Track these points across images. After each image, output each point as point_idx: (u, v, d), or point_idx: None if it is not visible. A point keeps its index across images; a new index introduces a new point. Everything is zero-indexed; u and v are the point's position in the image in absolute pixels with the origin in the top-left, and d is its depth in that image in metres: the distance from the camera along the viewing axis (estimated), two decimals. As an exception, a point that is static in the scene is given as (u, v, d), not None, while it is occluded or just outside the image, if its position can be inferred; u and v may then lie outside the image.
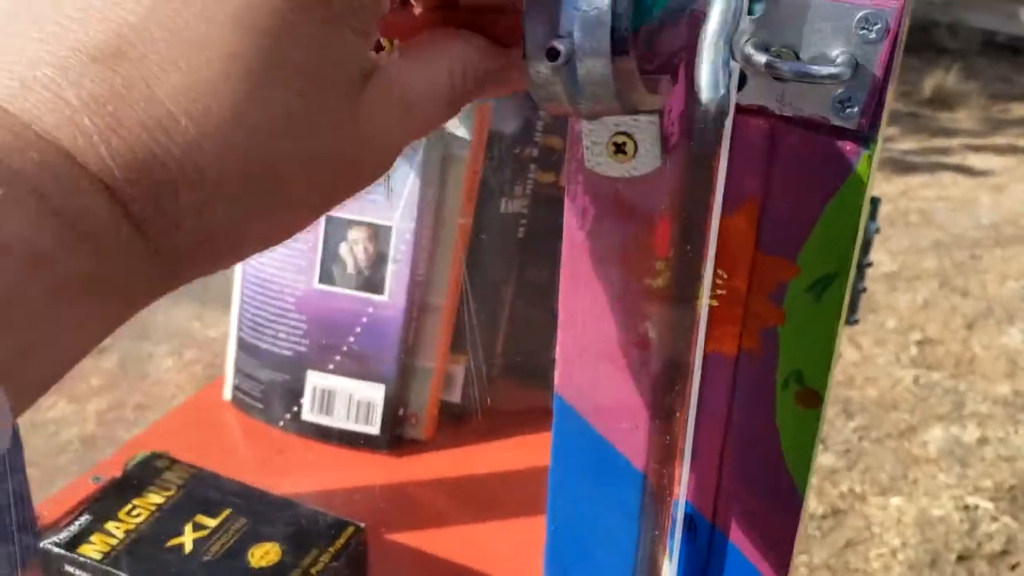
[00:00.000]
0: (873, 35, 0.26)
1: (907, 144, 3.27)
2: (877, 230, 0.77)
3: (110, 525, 0.49)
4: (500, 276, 0.64)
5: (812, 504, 1.72)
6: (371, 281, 0.59)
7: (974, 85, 3.64)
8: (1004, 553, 1.63)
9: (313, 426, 0.61)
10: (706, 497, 0.33)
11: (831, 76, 0.26)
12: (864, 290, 0.77)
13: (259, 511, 0.50)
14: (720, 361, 0.31)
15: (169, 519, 0.50)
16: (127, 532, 0.49)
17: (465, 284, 0.62)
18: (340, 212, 0.58)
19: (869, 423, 1.95)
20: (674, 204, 0.28)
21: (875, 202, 0.78)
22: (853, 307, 0.79)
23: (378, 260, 0.58)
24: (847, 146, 0.27)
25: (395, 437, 0.61)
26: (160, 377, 1.92)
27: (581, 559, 0.34)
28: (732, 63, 0.25)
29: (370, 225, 0.58)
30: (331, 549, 0.48)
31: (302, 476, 0.59)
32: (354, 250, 0.58)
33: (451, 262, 0.60)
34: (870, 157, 0.27)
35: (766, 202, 0.29)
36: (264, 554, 0.48)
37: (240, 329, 0.64)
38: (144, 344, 2.01)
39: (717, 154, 0.28)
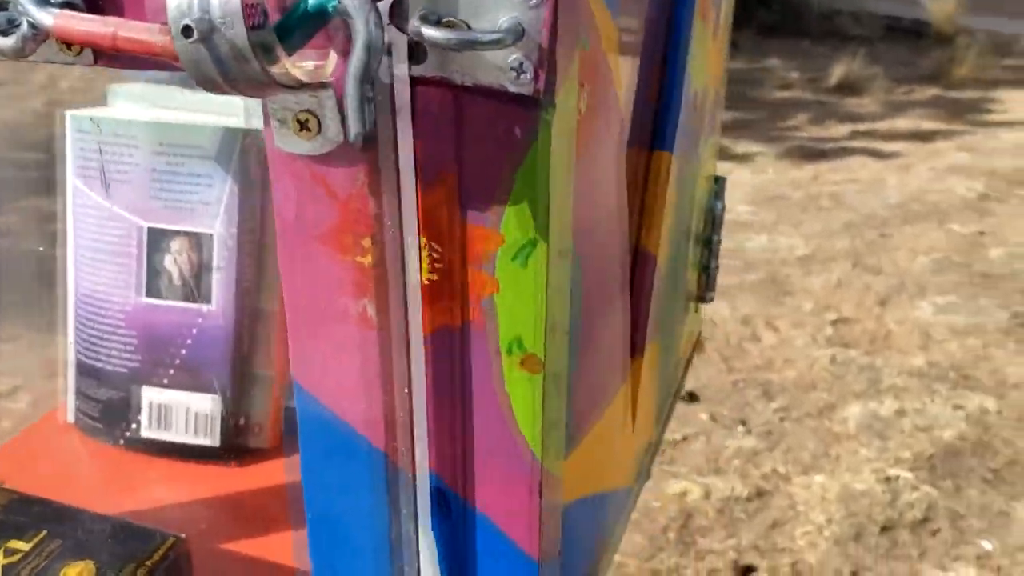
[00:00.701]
0: (534, 0, 0.27)
1: (816, 131, 3.35)
2: (723, 208, 0.79)
3: (-82, 561, 0.48)
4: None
5: (737, 487, 1.74)
6: (197, 291, 0.58)
7: (878, 70, 3.74)
8: (925, 520, 1.67)
9: (152, 442, 0.60)
10: (452, 470, 0.33)
11: (493, 42, 0.26)
12: (717, 267, 0.78)
13: (76, 531, 0.49)
14: (447, 333, 0.31)
15: (-19, 547, 0.48)
16: (-67, 564, 0.47)
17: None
18: (161, 223, 0.58)
19: (789, 404, 1.98)
20: (369, 180, 0.29)
21: (719, 181, 0.79)
22: (710, 284, 0.81)
23: (203, 269, 0.58)
24: (526, 113, 0.28)
25: (237, 447, 0.60)
26: (75, 413, 1.86)
27: (340, 542, 0.34)
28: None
29: (191, 234, 0.58)
30: (148, 563, 0.48)
31: (142, 493, 0.58)
32: (178, 260, 0.58)
33: (284, 267, 0.60)
34: (549, 122, 0.28)
35: (462, 174, 0.29)
36: (77, 573, 0.47)
37: (76, 350, 0.63)
38: (57, 380, 1.96)
39: (395, 127, 0.28)
